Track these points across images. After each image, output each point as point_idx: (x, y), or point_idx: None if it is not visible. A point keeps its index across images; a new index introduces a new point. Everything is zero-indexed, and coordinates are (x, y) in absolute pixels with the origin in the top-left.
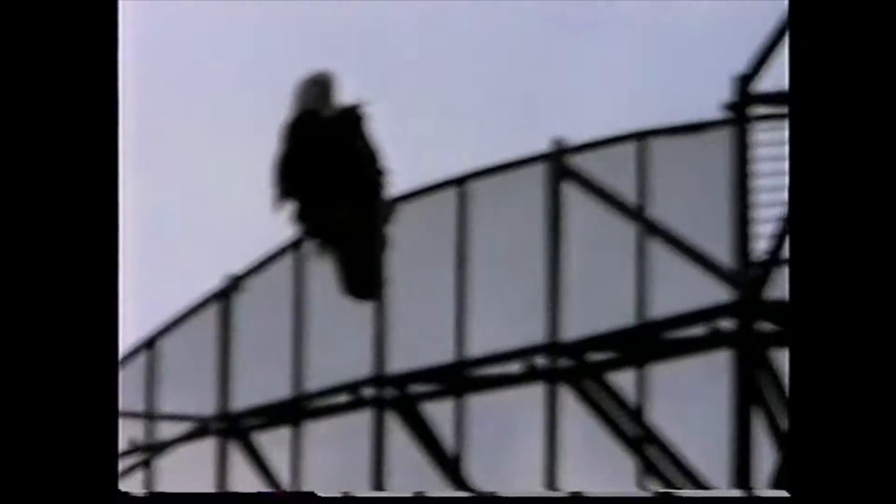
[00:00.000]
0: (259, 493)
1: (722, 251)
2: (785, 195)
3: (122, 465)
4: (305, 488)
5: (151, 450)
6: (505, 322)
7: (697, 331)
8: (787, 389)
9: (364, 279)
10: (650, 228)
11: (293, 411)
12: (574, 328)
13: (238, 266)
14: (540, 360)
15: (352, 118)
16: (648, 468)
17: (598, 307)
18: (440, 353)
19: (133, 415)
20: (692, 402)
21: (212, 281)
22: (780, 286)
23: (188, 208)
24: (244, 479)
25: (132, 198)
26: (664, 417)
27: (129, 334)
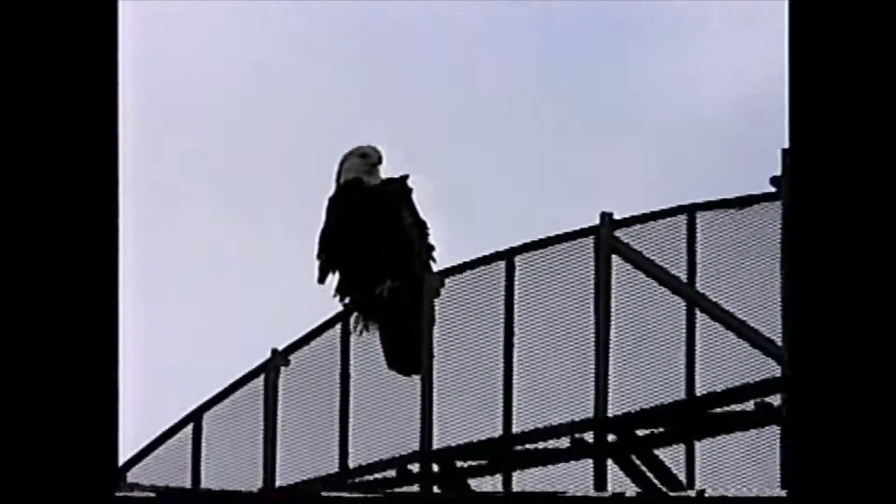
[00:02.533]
0: (259, 493)
1: (771, 326)
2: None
3: None
4: None
5: None
6: (552, 397)
7: (746, 406)
8: None
9: (409, 353)
10: (698, 303)
11: (339, 486)
12: (621, 403)
13: (282, 340)
14: (587, 436)
15: (397, 190)
16: None
17: (645, 382)
18: (487, 428)
19: (177, 490)
20: (741, 479)
21: (256, 355)
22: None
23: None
24: None
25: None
26: (712, 493)
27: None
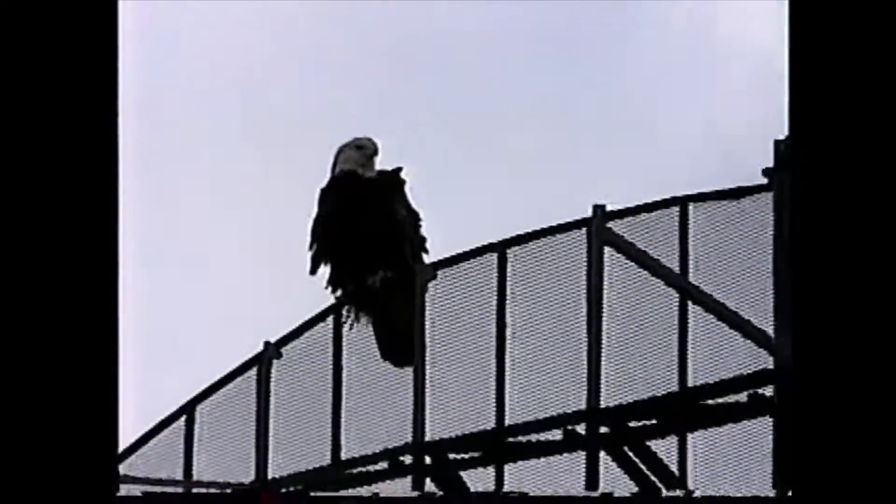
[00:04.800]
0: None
1: (763, 317)
2: None
3: None
4: None
5: None
6: (544, 389)
7: (739, 398)
8: None
9: (402, 344)
10: (691, 295)
11: (332, 479)
12: (614, 395)
13: (275, 332)
14: (580, 428)
15: (391, 182)
16: None
17: (638, 374)
18: (480, 419)
19: (170, 482)
20: (734, 471)
21: (249, 347)
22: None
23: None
24: None
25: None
26: (705, 485)
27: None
